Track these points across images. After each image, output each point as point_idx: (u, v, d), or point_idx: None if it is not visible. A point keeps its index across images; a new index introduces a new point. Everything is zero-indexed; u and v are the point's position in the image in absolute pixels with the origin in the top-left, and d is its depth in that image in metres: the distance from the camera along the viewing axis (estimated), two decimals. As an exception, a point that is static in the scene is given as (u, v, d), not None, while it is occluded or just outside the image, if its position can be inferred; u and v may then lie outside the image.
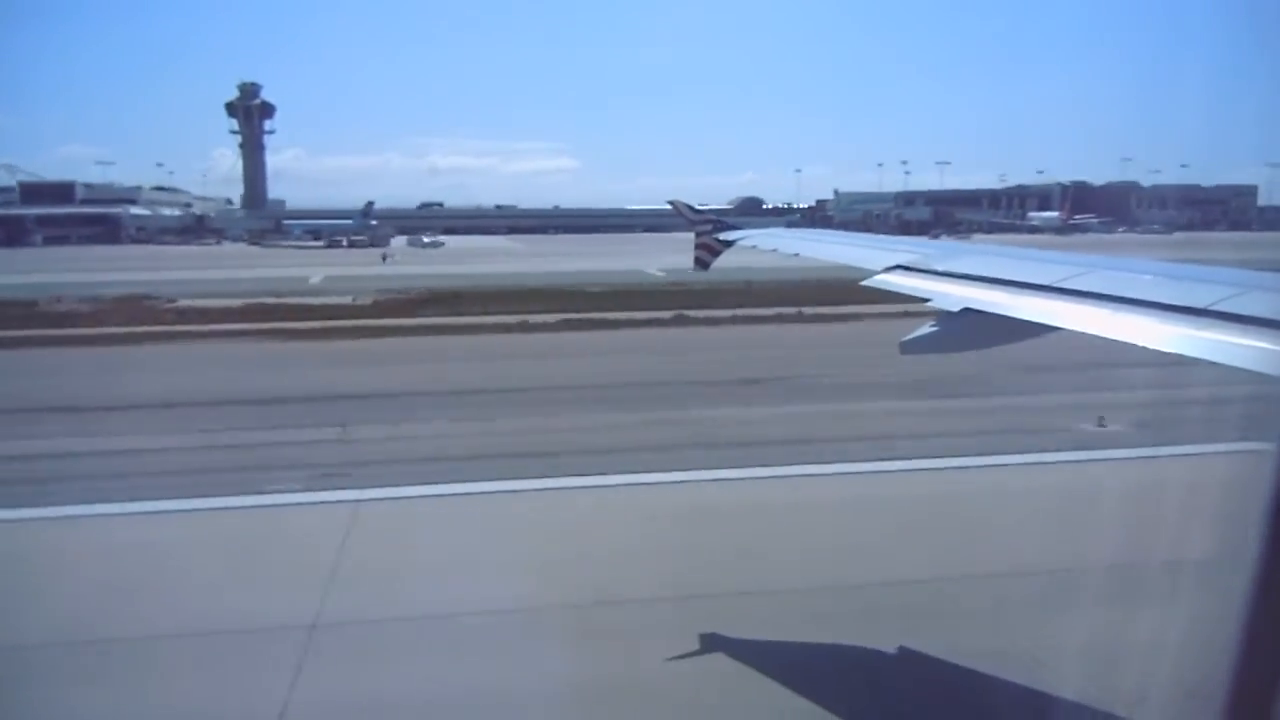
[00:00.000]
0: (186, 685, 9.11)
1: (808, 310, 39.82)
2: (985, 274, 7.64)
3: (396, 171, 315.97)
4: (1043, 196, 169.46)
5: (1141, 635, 8.36)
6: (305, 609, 10.43)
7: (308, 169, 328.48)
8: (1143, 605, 8.54)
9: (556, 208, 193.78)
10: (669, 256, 70.96)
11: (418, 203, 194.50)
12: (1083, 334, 6.08)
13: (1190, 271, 6.66)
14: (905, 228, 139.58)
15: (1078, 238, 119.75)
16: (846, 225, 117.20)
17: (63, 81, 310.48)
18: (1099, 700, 7.79)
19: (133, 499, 14.91)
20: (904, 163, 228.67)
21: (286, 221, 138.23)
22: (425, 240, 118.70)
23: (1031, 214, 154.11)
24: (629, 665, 9.35)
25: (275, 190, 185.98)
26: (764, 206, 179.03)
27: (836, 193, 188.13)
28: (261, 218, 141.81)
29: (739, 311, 40.26)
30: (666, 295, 45.69)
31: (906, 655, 9.35)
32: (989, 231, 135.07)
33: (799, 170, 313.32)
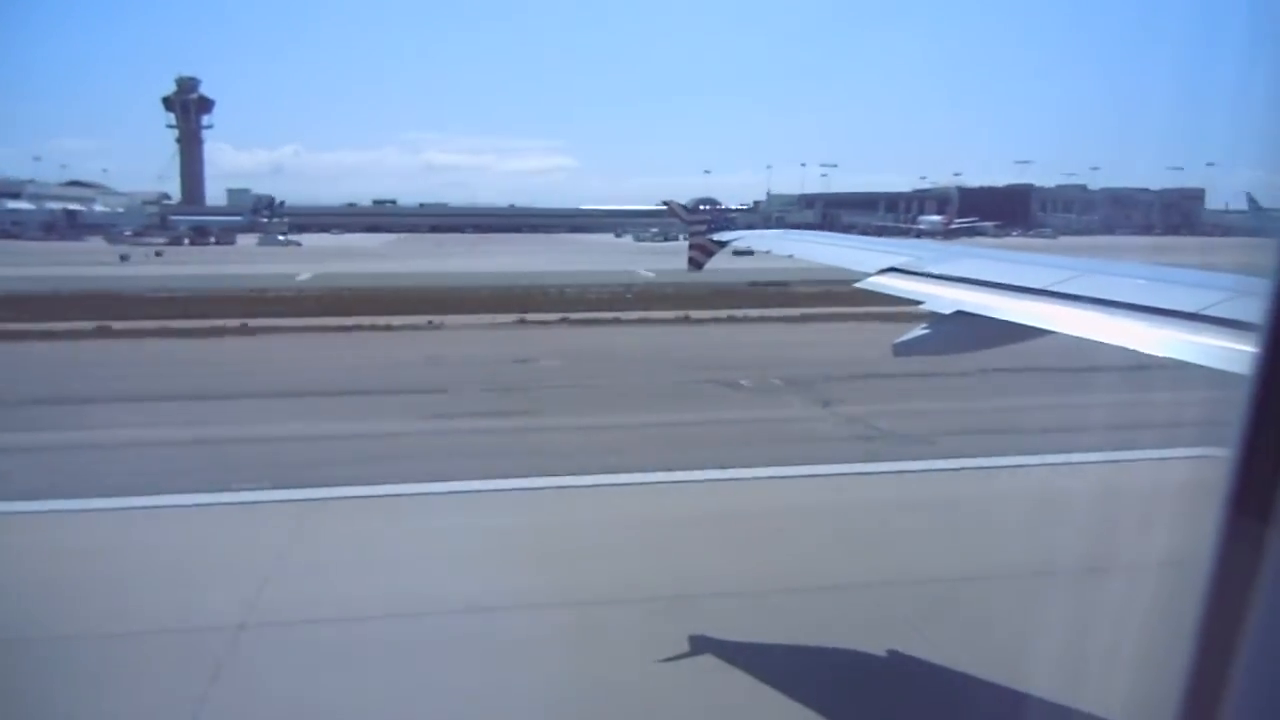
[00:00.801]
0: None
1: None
2: (978, 277, 7.68)
3: (393, 168, 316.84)
4: (942, 200, 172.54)
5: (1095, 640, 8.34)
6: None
7: (306, 164, 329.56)
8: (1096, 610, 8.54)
9: (512, 206, 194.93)
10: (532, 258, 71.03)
11: (417, 200, 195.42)
12: (1075, 337, 6.11)
13: (1186, 276, 6.69)
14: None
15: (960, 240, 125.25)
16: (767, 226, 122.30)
17: (61, 73, 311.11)
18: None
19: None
20: (824, 165, 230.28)
21: (172, 217, 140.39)
22: (280, 239, 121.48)
23: (920, 217, 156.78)
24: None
25: (274, 185, 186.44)
26: (718, 207, 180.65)
27: (769, 194, 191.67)
28: (147, 215, 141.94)
29: (492, 319, 38.62)
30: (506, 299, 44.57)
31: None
32: (876, 234, 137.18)
33: (769, 167, 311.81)
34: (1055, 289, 6.77)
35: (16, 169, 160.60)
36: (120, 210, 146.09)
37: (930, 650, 9.09)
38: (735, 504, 14.01)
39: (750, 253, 13.88)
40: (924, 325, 7.37)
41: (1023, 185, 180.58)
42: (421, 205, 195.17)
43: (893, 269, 8.68)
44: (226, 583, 10.83)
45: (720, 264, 15.26)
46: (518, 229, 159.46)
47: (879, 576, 11.12)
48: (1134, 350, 5.64)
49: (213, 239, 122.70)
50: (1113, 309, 6.11)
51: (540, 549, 11.99)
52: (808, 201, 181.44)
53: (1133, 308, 5.98)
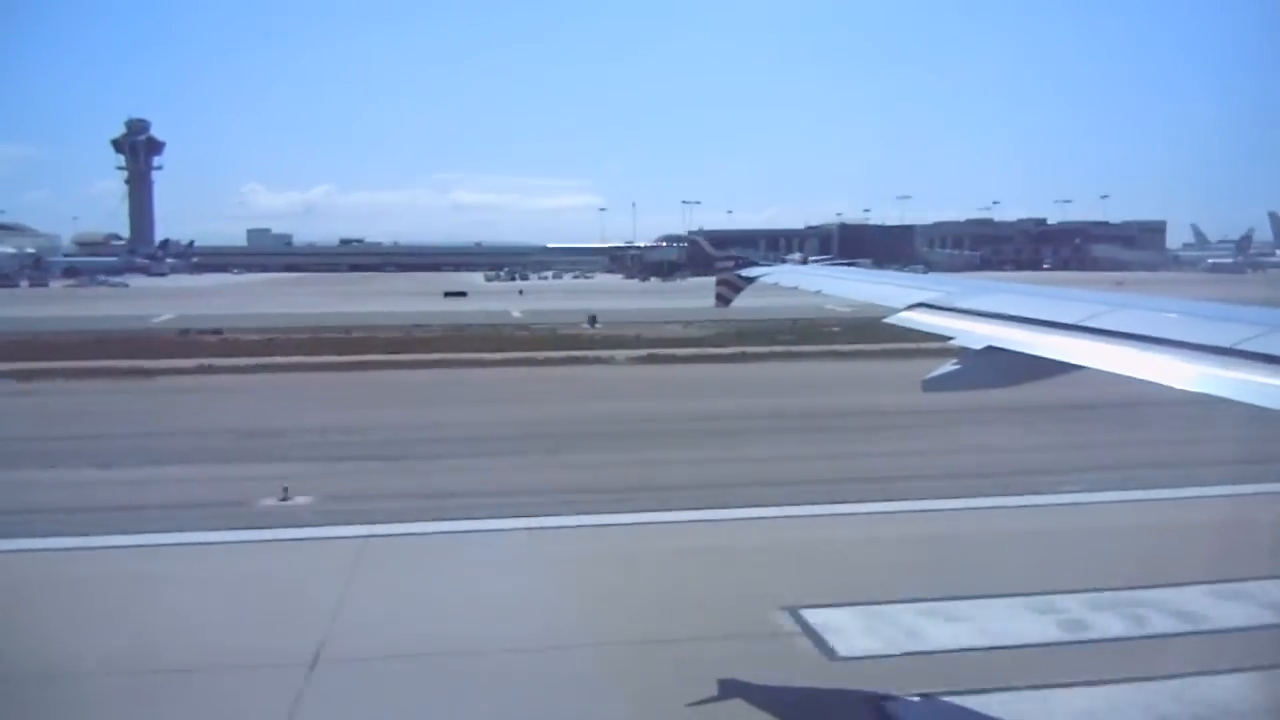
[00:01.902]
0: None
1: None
2: (1009, 312, 7.62)
3: (422, 207, 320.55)
4: (824, 237, 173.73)
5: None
6: None
7: (337, 204, 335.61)
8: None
9: (479, 244, 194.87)
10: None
11: (443, 240, 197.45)
12: (1108, 373, 6.05)
13: (1218, 310, 6.62)
14: (654, 268, 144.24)
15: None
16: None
17: (103, 116, 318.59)
18: None
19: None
20: (696, 201, 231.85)
21: (51, 259, 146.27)
22: (103, 279, 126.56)
23: (786, 256, 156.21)
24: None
25: (306, 224, 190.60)
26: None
27: (701, 229, 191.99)
28: (22, 257, 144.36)
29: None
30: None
31: None
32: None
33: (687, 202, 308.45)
34: (1087, 324, 6.71)
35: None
36: (29, 250, 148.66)
37: None
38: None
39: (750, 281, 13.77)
40: (954, 361, 7.32)
41: (904, 225, 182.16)
42: (341, 242, 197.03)
43: (923, 304, 8.64)
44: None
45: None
46: (437, 267, 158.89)
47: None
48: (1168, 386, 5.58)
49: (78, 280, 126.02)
50: (1146, 344, 6.04)
51: None
52: (679, 240, 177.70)
53: (1166, 343, 5.91)
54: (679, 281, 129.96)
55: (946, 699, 9.36)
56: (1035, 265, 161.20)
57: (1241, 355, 5.32)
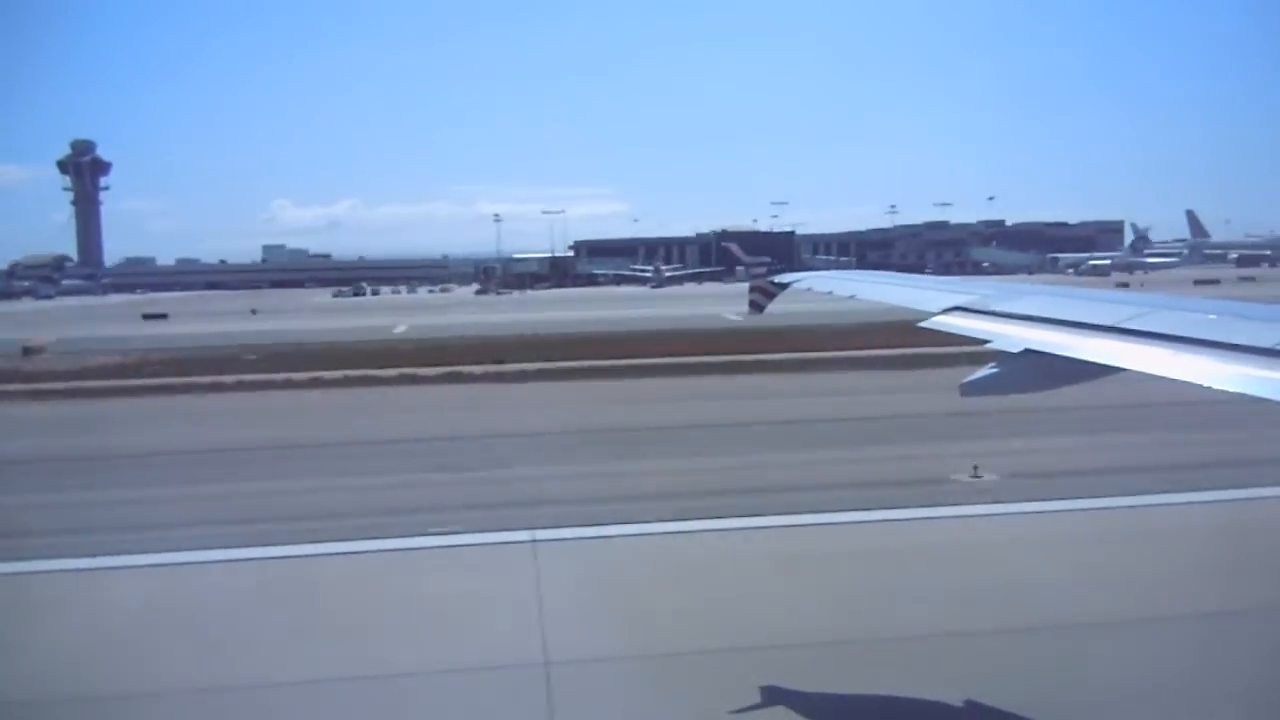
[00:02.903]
0: None
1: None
2: (1045, 315, 7.61)
3: (446, 219, 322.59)
4: (704, 245, 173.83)
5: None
6: None
7: (364, 218, 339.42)
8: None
9: (445, 257, 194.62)
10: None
11: (470, 252, 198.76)
12: (1147, 374, 6.04)
13: (1259, 311, 6.58)
14: (517, 281, 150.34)
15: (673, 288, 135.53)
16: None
17: (132, 137, 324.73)
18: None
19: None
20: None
21: None
22: None
23: (644, 265, 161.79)
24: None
25: (331, 239, 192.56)
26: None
27: (584, 240, 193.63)
28: None
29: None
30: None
31: None
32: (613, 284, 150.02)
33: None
34: (1125, 325, 6.69)
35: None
36: None
37: None
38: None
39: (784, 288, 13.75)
40: (992, 364, 7.33)
41: (785, 232, 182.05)
42: (263, 260, 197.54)
43: (957, 308, 8.64)
44: None
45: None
46: (348, 281, 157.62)
47: None
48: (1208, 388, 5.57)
49: None
50: (1185, 345, 6.02)
51: None
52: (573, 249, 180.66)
53: (1205, 344, 5.90)
54: (535, 292, 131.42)
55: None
56: (919, 269, 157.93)
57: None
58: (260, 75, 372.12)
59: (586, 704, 9.65)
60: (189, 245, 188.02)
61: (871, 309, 12.62)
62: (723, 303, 70.58)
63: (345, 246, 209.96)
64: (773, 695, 9.37)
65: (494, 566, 13.90)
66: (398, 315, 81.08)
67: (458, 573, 13.70)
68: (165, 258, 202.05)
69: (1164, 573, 12.68)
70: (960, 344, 8.25)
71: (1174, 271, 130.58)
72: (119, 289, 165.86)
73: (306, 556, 14.58)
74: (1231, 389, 5.37)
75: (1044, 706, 9.02)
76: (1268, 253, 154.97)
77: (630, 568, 14.01)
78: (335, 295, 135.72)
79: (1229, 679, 9.37)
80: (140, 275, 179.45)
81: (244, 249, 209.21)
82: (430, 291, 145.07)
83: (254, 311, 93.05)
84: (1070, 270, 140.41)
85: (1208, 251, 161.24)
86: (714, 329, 54.20)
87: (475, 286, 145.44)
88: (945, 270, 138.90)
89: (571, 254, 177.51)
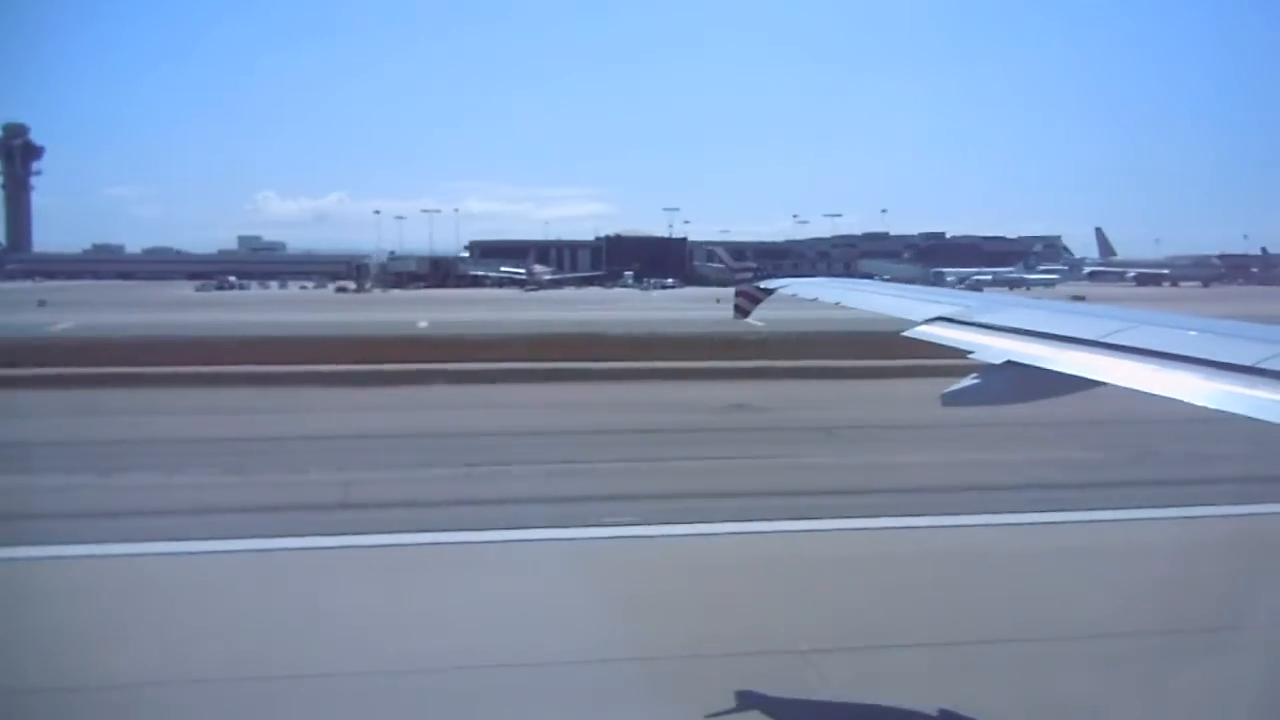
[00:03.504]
0: None
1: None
2: (1029, 327, 7.62)
3: (430, 215, 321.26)
4: (595, 250, 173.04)
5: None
6: None
7: (349, 211, 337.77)
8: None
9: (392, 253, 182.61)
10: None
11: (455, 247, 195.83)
12: (1126, 389, 6.05)
13: (1238, 329, 6.61)
14: (395, 279, 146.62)
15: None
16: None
17: (119, 124, 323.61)
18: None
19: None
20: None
21: None
22: None
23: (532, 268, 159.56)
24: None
25: (316, 232, 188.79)
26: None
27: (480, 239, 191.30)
28: None
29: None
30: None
31: None
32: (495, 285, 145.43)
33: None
34: (1108, 340, 6.70)
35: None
36: None
37: None
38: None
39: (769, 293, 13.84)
40: (974, 375, 7.33)
41: (677, 238, 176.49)
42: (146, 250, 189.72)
43: (941, 318, 8.64)
44: None
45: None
46: (258, 276, 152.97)
47: None
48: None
49: None
50: (1167, 361, 6.04)
51: None
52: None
53: (1187, 360, 5.91)
54: (403, 293, 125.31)
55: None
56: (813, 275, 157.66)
57: (1263, 374, 5.32)
58: (251, 66, 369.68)
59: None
60: (171, 234, 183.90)
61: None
62: (563, 308, 74.06)
63: (332, 240, 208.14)
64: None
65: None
66: (197, 311, 77.41)
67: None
68: (141, 246, 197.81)
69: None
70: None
71: (1054, 289, 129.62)
72: (94, 275, 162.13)
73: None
74: (1211, 405, 5.39)
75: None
76: (1166, 272, 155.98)
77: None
78: (199, 289, 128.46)
79: None
80: (107, 262, 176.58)
81: (225, 240, 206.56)
82: (303, 288, 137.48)
83: (41, 304, 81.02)
84: (960, 285, 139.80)
85: (1094, 269, 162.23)
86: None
87: (338, 284, 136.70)
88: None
89: (466, 254, 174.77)
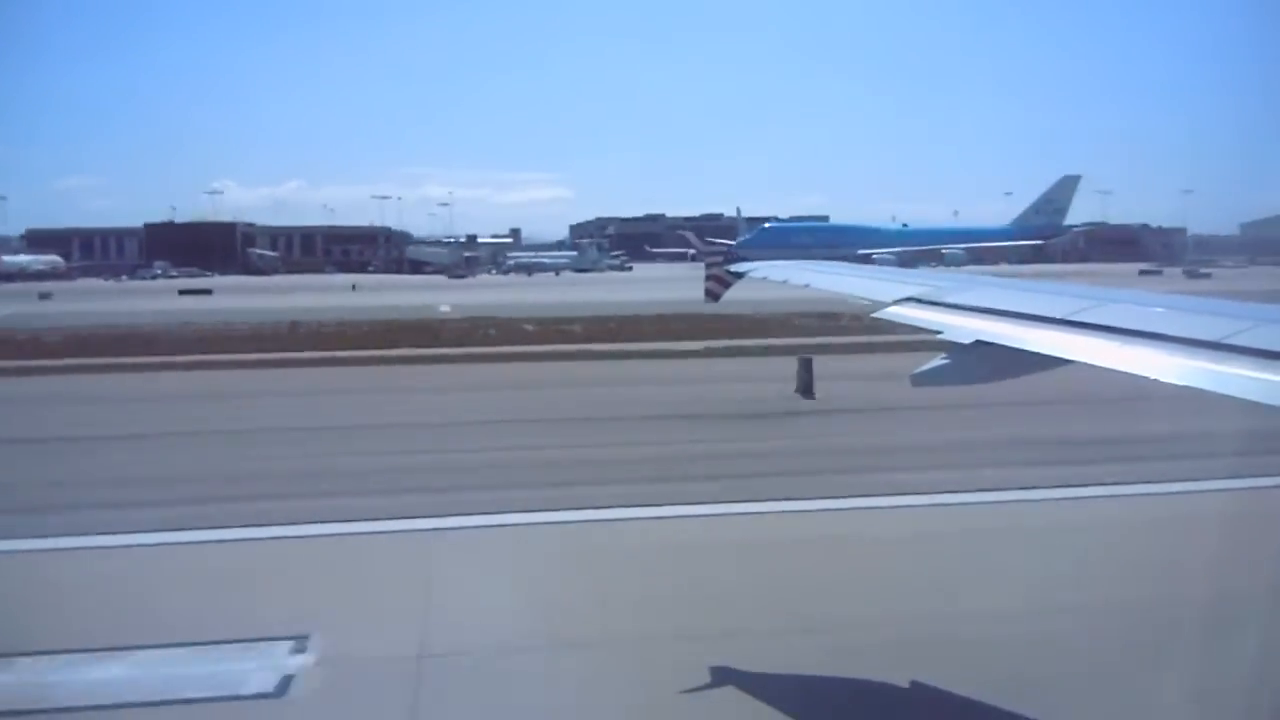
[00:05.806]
0: None
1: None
2: (997, 307, 7.63)
3: (392, 201, 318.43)
4: (141, 238, 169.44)
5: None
6: None
7: (309, 200, 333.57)
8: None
9: None
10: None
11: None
12: (1094, 366, 6.06)
13: (1206, 305, 6.65)
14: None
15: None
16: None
17: (69, 118, 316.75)
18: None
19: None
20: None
21: None
22: None
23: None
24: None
25: (274, 219, 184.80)
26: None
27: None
28: None
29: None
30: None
31: None
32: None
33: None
34: (1075, 318, 6.72)
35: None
36: None
37: None
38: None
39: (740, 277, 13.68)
40: (943, 355, 7.32)
41: (225, 223, 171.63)
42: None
43: (910, 299, 8.64)
44: None
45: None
46: None
47: None
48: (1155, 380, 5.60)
49: None
50: (1133, 338, 6.06)
51: None
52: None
53: (1154, 336, 5.94)
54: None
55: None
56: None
57: (1231, 349, 5.34)
58: (210, 52, 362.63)
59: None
60: (127, 224, 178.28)
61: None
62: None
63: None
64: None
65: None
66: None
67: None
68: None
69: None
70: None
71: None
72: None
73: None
74: (1178, 381, 5.41)
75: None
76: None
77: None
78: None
79: None
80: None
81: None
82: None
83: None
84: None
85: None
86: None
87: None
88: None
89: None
